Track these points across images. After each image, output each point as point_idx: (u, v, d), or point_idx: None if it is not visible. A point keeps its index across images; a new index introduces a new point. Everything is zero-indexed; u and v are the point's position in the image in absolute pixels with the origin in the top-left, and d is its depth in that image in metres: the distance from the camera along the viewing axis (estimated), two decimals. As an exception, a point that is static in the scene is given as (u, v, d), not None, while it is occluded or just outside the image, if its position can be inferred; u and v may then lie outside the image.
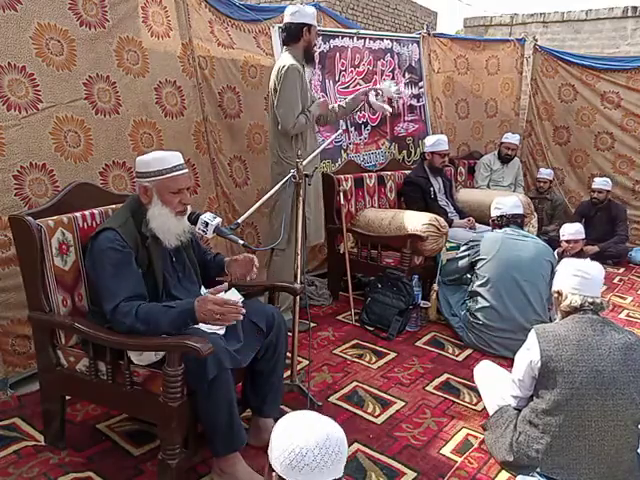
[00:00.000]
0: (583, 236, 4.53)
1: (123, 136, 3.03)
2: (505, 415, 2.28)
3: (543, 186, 5.78)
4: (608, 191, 5.40)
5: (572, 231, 4.49)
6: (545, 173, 5.81)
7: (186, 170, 2.12)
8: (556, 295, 2.22)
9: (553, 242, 4.51)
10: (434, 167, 4.36)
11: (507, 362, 2.93)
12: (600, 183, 5.38)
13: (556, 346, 2.04)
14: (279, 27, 3.61)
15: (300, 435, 1.18)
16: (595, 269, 2.15)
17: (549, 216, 5.76)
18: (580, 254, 4.40)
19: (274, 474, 1.19)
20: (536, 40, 6.09)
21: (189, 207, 2.14)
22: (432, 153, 4.34)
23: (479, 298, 3.26)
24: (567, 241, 4.48)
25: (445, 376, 2.98)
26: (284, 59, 3.17)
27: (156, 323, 1.90)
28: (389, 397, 2.74)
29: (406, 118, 4.99)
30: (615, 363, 1.99)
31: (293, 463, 1.15)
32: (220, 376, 1.88)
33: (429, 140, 4.42)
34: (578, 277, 2.12)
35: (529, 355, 2.11)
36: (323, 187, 3.62)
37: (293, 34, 3.19)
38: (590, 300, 2.10)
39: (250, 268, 2.25)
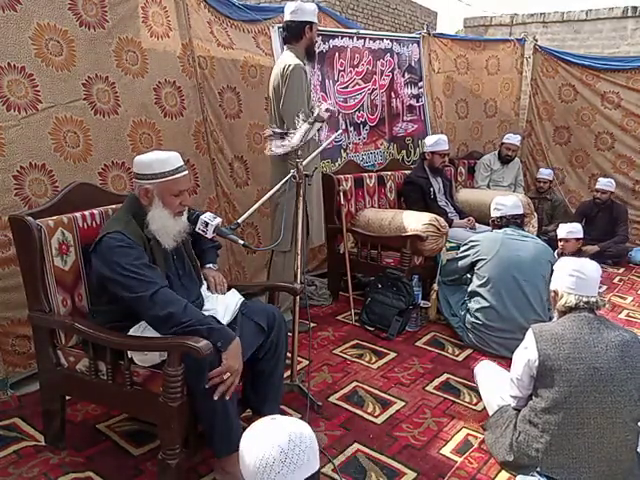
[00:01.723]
0: (579, 235, 4.53)
1: (122, 136, 3.03)
2: (505, 415, 2.29)
3: (543, 186, 5.77)
4: (611, 192, 5.40)
5: (566, 230, 4.51)
6: (545, 173, 5.80)
7: (187, 172, 2.12)
8: (553, 294, 2.22)
9: (553, 242, 4.52)
10: (434, 167, 4.36)
11: (507, 362, 2.92)
12: (604, 184, 5.36)
13: (553, 345, 2.05)
14: (279, 27, 3.61)
15: (261, 447, 1.15)
16: (591, 268, 2.14)
17: (549, 216, 5.76)
18: (580, 253, 4.41)
19: None
20: (536, 40, 6.09)
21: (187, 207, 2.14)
22: (432, 153, 4.33)
23: (479, 298, 3.26)
24: (560, 239, 4.52)
25: (445, 376, 2.98)
26: (287, 58, 3.12)
27: (197, 321, 1.90)
28: (389, 397, 2.74)
29: (405, 118, 4.99)
30: (612, 360, 2.00)
31: (265, 476, 1.12)
32: None
33: (429, 140, 4.42)
34: (573, 277, 2.12)
35: (527, 354, 2.11)
36: (323, 187, 3.61)
37: (295, 33, 3.15)
38: (585, 300, 2.09)
39: (216, 289, 2.33)
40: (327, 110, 3.03)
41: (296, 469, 1.13)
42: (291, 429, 1.18)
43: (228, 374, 1.87)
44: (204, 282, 2.34)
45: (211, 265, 2.42)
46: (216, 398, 1.86)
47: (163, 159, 2.05)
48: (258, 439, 1.17)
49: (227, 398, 1.90)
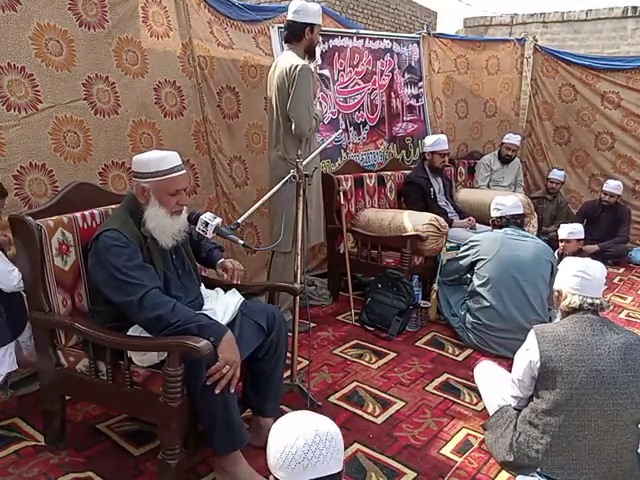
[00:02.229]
0: (579, 236, 4.52)
1: (122, 136, 3.03)
2: (505, 415, 2.28)
3: (555, 187, 5.68)
4: (619, 195, 5.37)
5: (567, 230, 4.51)
6: (558, 174, 5.70)
7: (184, 171, 2.11)
8: (556, 294, 2.21)
9: (553, 242, 4.52)
10: (434, 167, 4.36)
11: (507, 362, 2.93)
12: (613, 187, 5.32)
13: (555, 346, 2.04)
14: (279, 27, 3.61)
15: (289, 435, 1.18)
16: (596, 269, 2.12)
17: (552, 217, 5.74)
18: (580, 253, 4.41)
19: (272, 477, 1.20)
20: (536, 40, 6.09)
21: (185, 207, 2.13)
22: (432, 153, 4.33)
23: (479, 298, 3.26)
24: (561, 240, 4.51)
25: (445, 376, 2.98)
26: (291, 58, 3.08)
27: (187, 320, 1.90)
28: (389, 397, 2.74)
29: (405, 118, 4.99)
30: (614, 363, 1.99)
31: (285, 463, 1.16)
32: None
33: (429, 140, 4.42)
34: (578, 277, 2.11)
35: (528, 355, 2.10)
36: (323, 187, 3.62)
37: (295, 33, 3.12)
38: (590, 301, 2.08)
39: (234, 276, 2.32)
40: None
41: (317, 464, 1.15)
42: (319, 426, 1.21)
43: (227, 367, 1.87)
44: (203, 285, 2.34)
45: (223, 260, 2.41)
46: (218, 392, 1.86)
47: (160, 158, 2.05)
48: (287, 429, 1.21)
49: (232, 391, 1.90)
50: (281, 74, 3.08)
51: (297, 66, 3.00)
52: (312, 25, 3.12)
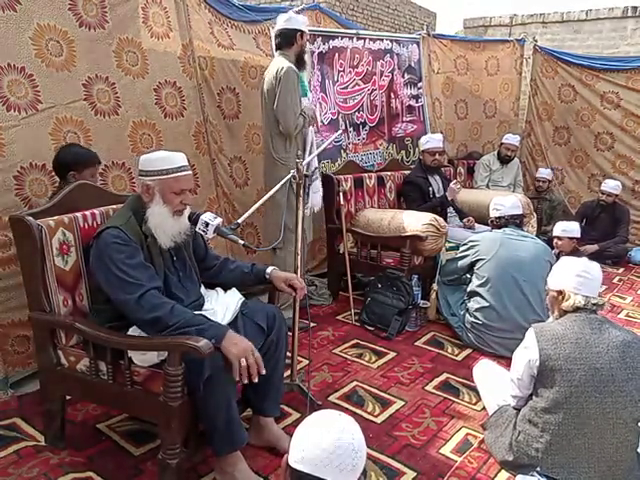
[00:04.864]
0: (573, 235, 4.48)
1: (122, 137, 3.04)
2: (505, 414, 2.29)
3: (542, 186, 5.78)
4: (617, 195, 5.38)
5: (560, 228, 4.48)
6: (544, 173, 5.82)
7: (190, 171, 2.12)
8: (555, 294, 2.21)
9: (552, 242, 4.51)
10: (427, 166, 4.35)
11: (506, 362, 2.93)
12: (612, 187, 5.33)
13: (554, 344, 2.05)
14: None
15: (313, 432, 1.18)
16: (596, 269, 2.16)
17: (548, 216, 5.76)
18: (578, 253, 4.40)
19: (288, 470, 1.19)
20: (536, 40, 6.10)
21: (188, 207, 2.14)
22: (423, 152, 4.35)
23: (478, 298, 3.26)
24: (554, 237, 4.50)
25: (445, 376, 2.98)
26: (280, 61, 3.23)
27: (185, 322, 1.89)
28: (389, 397, 2.74)
29: (404, 119, 4.99)
30: (613, 361, 2.00)
31: (318, 459, 1.15)
32: (216, 375, 1.88)
33: (422, 140, 4.43)
34: (581, 277, 2.12)
35: (527, 354, 2.11)
36: (323, 187, 3.62)
37: (287, 39, 3.28)
38: (593, 301, 2.10)
39: (301, 296, 2.37)
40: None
41: (341, 471, 1.15)
42: (356, 436, 1.21)
43: (243, 360, 1.86)
44: (205, 287, 2.34)
45: (274, 267, 2.41)
46: (246, 381, 1.86)
47: (166, 157, 2.07)
48: (332, 424, 1.20)
49: (262, 372, 1.89)
50: (270, 77, 3.22)
51: (283, 68, 3.15)
52: (302, 32, 3.30)
